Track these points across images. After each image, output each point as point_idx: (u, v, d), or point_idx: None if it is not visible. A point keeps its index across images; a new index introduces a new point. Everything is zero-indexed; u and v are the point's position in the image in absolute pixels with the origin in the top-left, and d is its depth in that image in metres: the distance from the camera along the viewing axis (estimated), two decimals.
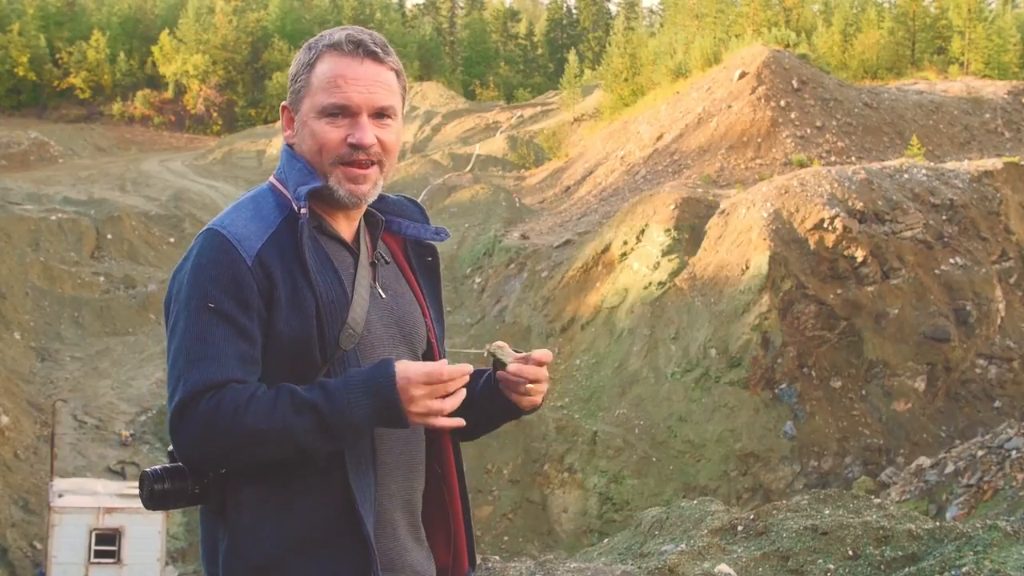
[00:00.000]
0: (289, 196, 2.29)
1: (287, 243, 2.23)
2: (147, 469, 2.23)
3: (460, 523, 2.43)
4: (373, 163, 2.30)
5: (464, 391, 2.20)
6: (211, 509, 2.25)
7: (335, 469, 2.20)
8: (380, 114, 2.30)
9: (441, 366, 2.15)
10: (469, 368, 2.22)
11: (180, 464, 2.21)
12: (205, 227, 2.27)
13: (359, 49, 2.28)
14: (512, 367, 2.36)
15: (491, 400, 2.44)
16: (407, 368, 2.14)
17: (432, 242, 2.49)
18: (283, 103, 2.36)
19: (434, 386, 2.14)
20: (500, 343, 2.41)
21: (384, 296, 2.35)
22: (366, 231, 2.39)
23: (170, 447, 2.27)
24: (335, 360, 2.23)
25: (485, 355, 2.43)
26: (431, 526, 2.42)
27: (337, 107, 2.26)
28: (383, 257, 2.41)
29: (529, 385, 2.38)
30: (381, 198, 2.42)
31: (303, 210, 2.24)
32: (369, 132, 2.27)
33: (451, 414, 2.19)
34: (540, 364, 2.37)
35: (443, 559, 2.43)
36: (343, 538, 2.19)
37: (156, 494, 2.20)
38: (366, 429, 2.17)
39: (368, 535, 2.18)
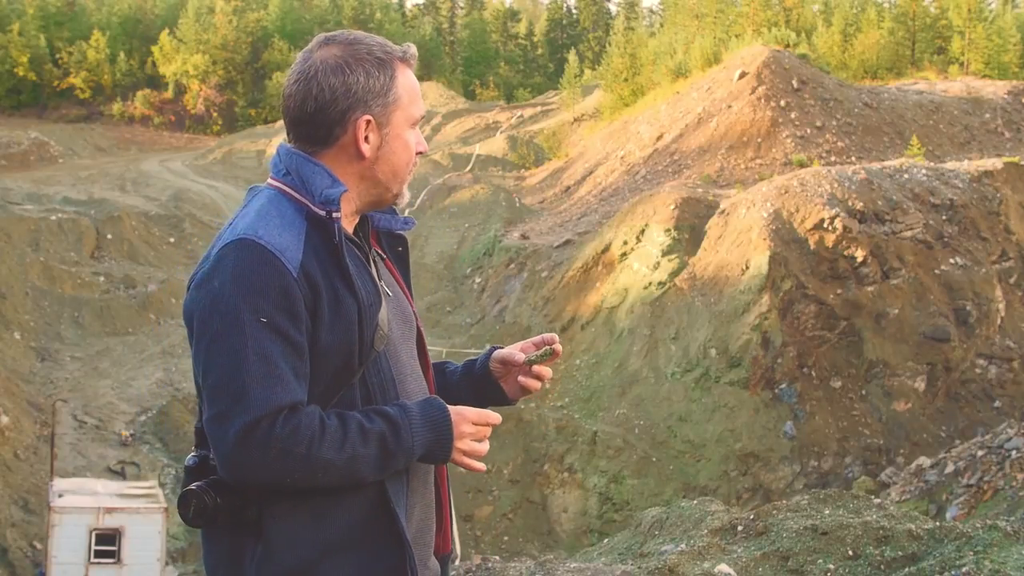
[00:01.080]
0: (306, 201, 2.26)
1: (320, 249, 2.22)
2: (192, 486, 2.19)
3: (447, 507, 2.48)
4: None
5: (488, 443, 2.32)
6: (245, 519, 2.21)
7: None
8: None
9: (490, 412, 2.30)
10: (500, 419, 2.33)
11: (219, 477, 2.18)
12: (233, 236, 2.20)
13: (415, 62, 2.39)
14: (538, 369, 2.51)
15: (474, 391, 2.54)
16: (460, 407, 2.29)
17: (401, 232, 2.51)
18: (365, 116, 2.28)
19: (480, 427, 2.27)
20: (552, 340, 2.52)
21: (390, 293, 2.38)
22: (359, 229, 2.42)
23: (188, 459, 2.25)
24: (368, 363, 2.25)
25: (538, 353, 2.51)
26: None
27: (422, 118, 2.39)
28: (380, 254, 2.43)
29: (537, 383, 2.53)
30: None
31: (336, 214, 2.23)
32: None
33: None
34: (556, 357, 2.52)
35: (435, 542, 2.47)
36: (378, 538, 2.21)
37: (208, 510, 2.17)
38: (414, 461, 2.24)
39: (403, 532, 2.21)
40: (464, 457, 2.26)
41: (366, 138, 2.28)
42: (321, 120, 2.27)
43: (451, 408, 2.25)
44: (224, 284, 2.14)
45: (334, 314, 2.19)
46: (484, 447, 2.28)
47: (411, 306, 2.47)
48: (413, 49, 2.38)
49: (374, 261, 2.37)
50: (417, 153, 2.37)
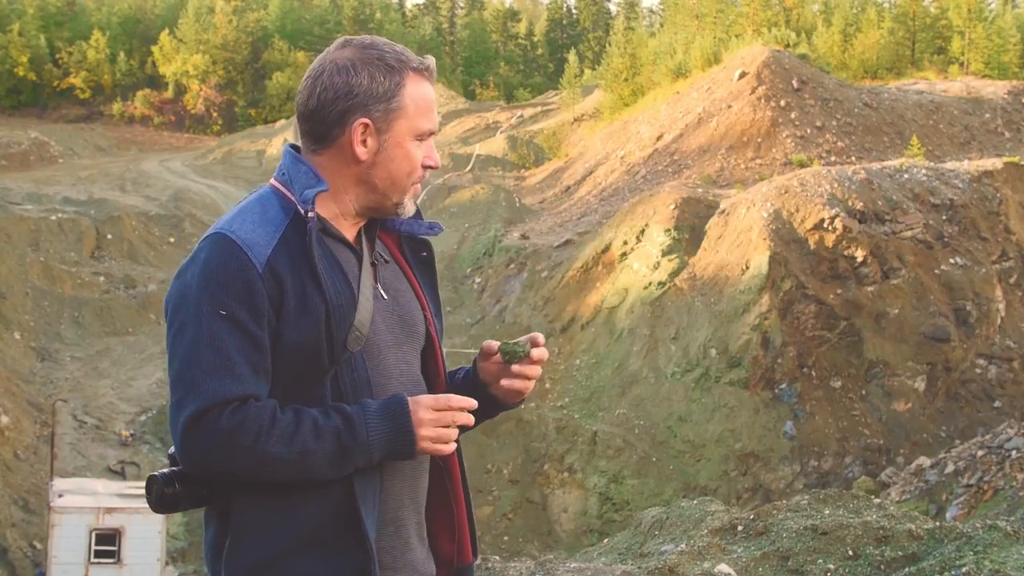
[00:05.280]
0: (294, 199, 2.28)
1: (295, 247, 2.23)
2: (155, 473, 2.23)
3: (464, 514, 2.44)
4: None
5: (472, 418, 2.27)
6: (217, 509, 2.26)
7: None
8: None
9: (448, 395, 2.25)
10: (474, 403, 2.27)
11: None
12: (211, 230, 2.25)
13: (433, 75, 2.39)
14: (517, 368, 2.39)
15: (475, 395, 2.44)
16: (417, 396, 2.24)
17: (425, 237, 2.49)
18: (363, 119, 2.28)
19: (442, 412, 2.22)
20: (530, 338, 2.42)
21: (386, 296, 2.36)
22: (365, 231, 2.41)
23: (171, 449, 2.27)
24: (341, 362, 2.23)
25: (501, 347, 2.43)
26: (434, 518, 2.43)
27: (432, 132, 2.35)
28: (383, 256, 2.41)
29: (527, 383, 2.42)
30: None
31: (311, 213, 2.24)
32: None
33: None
34: (540, 361, 2.42)
35: (447, 550, 2.43)
36: (344, 536, 2.20)
37: (166, 498, 2.21)
38: (377, 456, 2.20)
39: (367, 533, 2.19)
40: (433, 444, 2.21)
41: (364, 142, 2.28)
42: (321, 118, 2.29)
43: (409, 398, 2.22)
44: (194, 277, 2.19)
45: (300, 311, 2.20)
46: (452, 432, 2.24)
47: (424, 312, 2.44)
48: (431, 61, 2.37)
49: (374, 264, 2.36)
50: (426, 167, 2.35)
